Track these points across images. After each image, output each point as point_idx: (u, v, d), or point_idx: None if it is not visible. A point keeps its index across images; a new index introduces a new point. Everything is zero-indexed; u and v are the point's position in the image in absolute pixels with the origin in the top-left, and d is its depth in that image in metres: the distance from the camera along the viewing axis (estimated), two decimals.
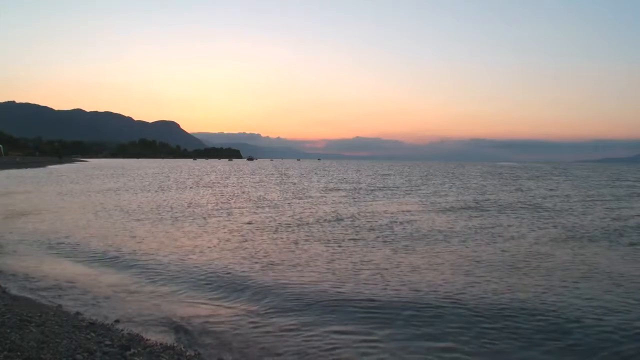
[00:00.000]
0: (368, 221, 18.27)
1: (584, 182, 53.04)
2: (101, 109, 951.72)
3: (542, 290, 8.84)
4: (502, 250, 12.69)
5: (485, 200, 28.37)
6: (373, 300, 8.21)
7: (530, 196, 31.74)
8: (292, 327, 7.08)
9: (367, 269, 10.45)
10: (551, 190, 38.49)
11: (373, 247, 13.01)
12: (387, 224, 17.45)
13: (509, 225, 17.46)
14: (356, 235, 15.02)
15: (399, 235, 14.97)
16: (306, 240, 14.08)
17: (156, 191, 33.92)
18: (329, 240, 14.07)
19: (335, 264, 10.91)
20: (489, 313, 7.58)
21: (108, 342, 6.01)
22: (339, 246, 13.13)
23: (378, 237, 14.69)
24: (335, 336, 6.71)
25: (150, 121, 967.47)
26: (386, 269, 10.50)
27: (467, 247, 13.20)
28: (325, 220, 18.54)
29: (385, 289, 8.94)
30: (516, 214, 21.22)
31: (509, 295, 8.50)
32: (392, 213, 21.03)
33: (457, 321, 7.25)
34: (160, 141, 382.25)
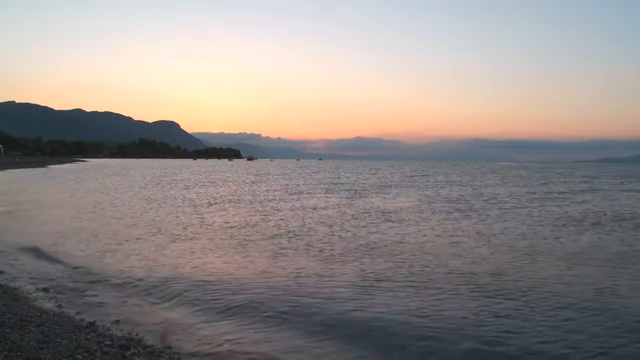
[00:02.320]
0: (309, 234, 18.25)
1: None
2: (101, 109, 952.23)
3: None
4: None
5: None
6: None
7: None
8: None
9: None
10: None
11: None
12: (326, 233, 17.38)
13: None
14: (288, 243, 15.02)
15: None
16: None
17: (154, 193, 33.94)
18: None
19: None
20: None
21: (108, 342, 6.02)
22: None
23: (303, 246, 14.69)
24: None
25: (150, 121, 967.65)
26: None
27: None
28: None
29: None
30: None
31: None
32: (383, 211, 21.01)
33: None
34: (160, 141, 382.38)
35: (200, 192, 32.99)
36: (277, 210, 22.14)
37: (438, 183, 47.65)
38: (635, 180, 58.63)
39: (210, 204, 24.70)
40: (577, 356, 6.07)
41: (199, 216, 19.71)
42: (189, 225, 17.04)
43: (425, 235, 15.05)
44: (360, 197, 30.09)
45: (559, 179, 60.09)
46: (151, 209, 22.22)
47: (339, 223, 17.67)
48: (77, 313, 7.43)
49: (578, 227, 16.93)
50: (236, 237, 14.56)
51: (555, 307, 7.84)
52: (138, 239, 14.27)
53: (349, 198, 28.92)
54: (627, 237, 15.03)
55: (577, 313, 7.56)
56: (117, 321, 7.15)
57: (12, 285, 8.98)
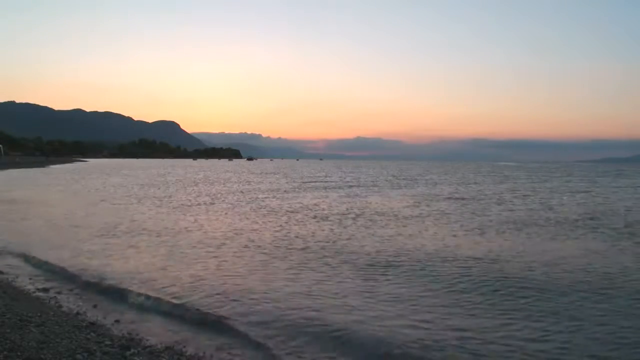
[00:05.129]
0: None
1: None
2: (101, 109, 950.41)
3: None
4: None
5: None
6: None
7: None
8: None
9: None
10: None
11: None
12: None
13: None
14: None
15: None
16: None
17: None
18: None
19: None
20: None
21: (108, 342, 6.03)
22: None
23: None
24: None
25: (150, 121, 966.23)
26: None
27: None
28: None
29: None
30: None
31: None
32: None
33: None
34: (160, 141, 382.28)
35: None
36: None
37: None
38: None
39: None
40: None
41: (199, 220, 19.75)
42: (189, 228, 17.07)
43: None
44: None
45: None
46: (158, 207, 22.26)
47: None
48: (77, 313, 7.43)
49: None
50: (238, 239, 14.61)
51: None
52: (135, 241, 14.28)
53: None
54: None
55: None
56: (117, 321, 7.15)
57: (12, 285, 8.99)
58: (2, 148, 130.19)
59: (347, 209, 22.02)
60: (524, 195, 31.42)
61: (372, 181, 49.59)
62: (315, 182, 47.99)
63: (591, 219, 19.17)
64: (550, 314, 7.48)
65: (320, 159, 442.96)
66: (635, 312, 7.71)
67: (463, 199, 28.80)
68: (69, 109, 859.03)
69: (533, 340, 6.48)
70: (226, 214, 20.66)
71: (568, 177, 64.47)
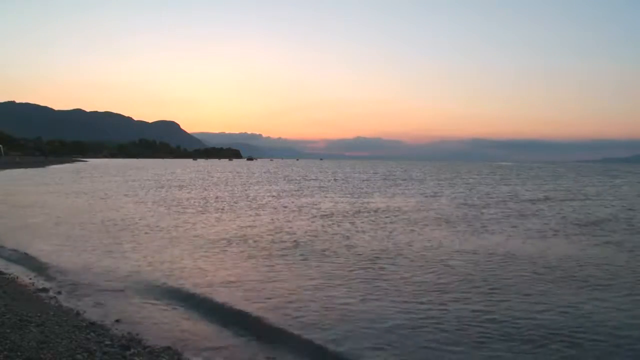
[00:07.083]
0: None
1: None
2: (101, 109, 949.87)
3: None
4: None
5: None
6: None
7: None
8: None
9: None
10: None
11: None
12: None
13: None
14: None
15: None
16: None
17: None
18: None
19: None
20: None
21: (108, 342, 6.02)
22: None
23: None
24: None
25: (150, 121, 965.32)
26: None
27: None
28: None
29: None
30: None
31: None
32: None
33: None
34: (160, 141, 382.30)
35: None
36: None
37: None
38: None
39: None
40: None
41: (190, 220, 19.73)
42: (183, 227, 17.06)
43: None
44: None
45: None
46: (158, 208, 22.23)
47: None
48: (77, 313, 7.42)
49: None
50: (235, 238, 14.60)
51: None
52: (135, 240, 14.27)
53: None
54: None
55: None
56: (117, 321, 7.14)
57: (12, 285, 8.99)
58: (2, 148, 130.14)
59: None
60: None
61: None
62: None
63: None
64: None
65: (321, 159, 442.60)
66: None
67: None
68: (69, 109, 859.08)
69: None
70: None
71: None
